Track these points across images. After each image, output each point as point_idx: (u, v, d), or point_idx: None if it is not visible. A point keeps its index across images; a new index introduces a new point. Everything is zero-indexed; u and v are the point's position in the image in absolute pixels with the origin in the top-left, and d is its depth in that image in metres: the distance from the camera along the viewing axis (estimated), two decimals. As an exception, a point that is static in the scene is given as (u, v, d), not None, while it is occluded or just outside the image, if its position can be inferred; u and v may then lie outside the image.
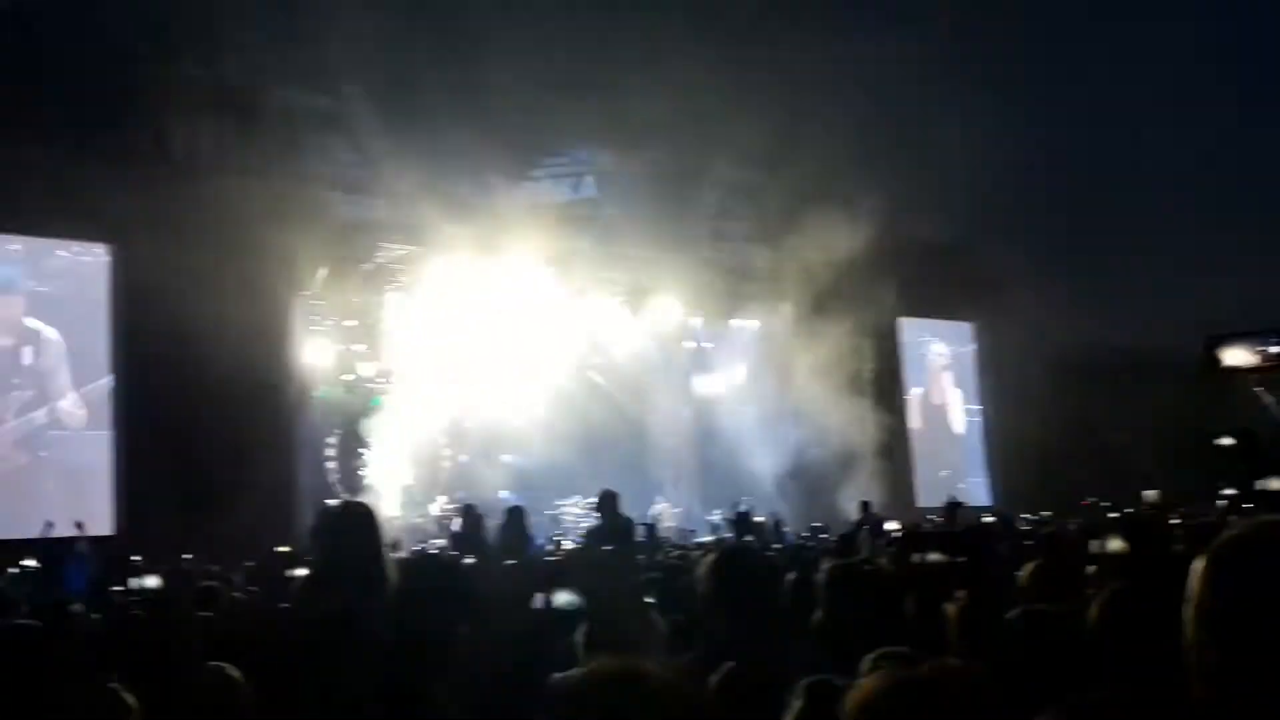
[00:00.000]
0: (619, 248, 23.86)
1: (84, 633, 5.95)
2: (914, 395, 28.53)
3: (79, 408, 17.85)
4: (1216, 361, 28.00)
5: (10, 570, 12.47)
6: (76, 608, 7.39)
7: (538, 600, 1.82)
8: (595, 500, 9.26)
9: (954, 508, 18.30)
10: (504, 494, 22.66)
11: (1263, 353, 26.79)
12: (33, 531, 16.23)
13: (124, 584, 8.30)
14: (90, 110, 18.92)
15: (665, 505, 23.93)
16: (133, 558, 11.45)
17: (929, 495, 26.86)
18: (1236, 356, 27.39)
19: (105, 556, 13.52)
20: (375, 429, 24.26)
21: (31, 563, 12.31)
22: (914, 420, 28.34)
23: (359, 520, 4.24)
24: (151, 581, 4.69)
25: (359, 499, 6.89)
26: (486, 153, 21.85)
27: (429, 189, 20.70)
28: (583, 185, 23.79)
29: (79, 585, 11.00)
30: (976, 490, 28.54)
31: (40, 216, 17.36)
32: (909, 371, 28.48)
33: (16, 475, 17.18)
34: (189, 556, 13.95)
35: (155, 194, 18.09)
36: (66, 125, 18.99)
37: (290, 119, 20.39)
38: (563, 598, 1.84)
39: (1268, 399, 27.97)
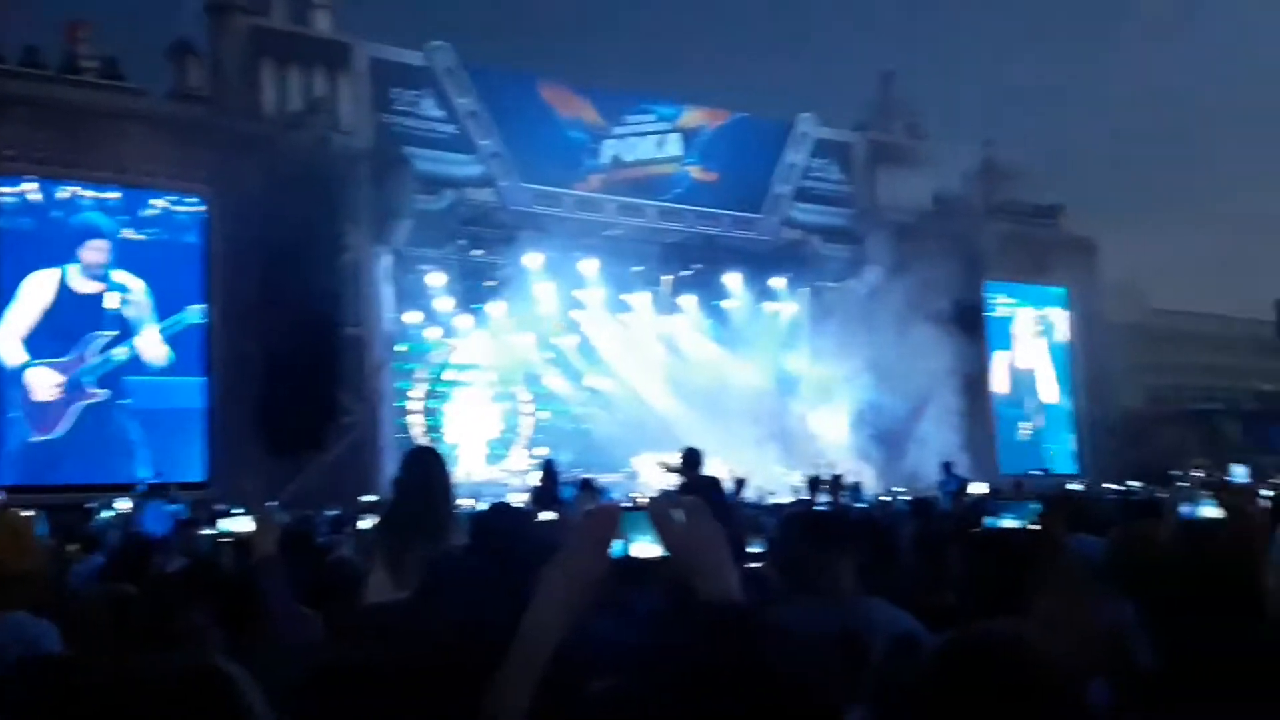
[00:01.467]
0: (702, 207, 23.74)
1: (163, 575, 6.13)
2: (1000, 358, 28.01)
3: (160, 348, 18.19)
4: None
5: (103, 514, 12.86)
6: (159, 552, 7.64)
7: (615, 549, 1.78)
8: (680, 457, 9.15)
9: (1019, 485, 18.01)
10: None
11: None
12: (122, 477, 16.78)
13: (212, 527, 8.47)
14: (186, 63, 19.29)
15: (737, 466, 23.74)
16: (217, 506, 11.72)
17: (1010, 460, 26.47)
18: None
19: (193, 502, 13.85)
20: (458, 383, 24.55)
21: (125, 506, 12.67)
22: (999, 384, 27.84)
23: (429, 461, 4.36)
24: (241, 524, 4.74)
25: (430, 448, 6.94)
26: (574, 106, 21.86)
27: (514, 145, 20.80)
28: (667, 143, 23.61)
29: (165, 529, 11.28)
30: (1062, 458, 28.01)
31: (136, 166, 17.71)
32: (997, 334, 27.95)
33: (104, 421, 17.64)
34: (274, 503, 14.25)
35: (249, 146, 18.44)
36: (162, 77, 19.42)
37: (380, 74, 20.54)
38: (643, 547, 1.80)
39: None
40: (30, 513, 9.82)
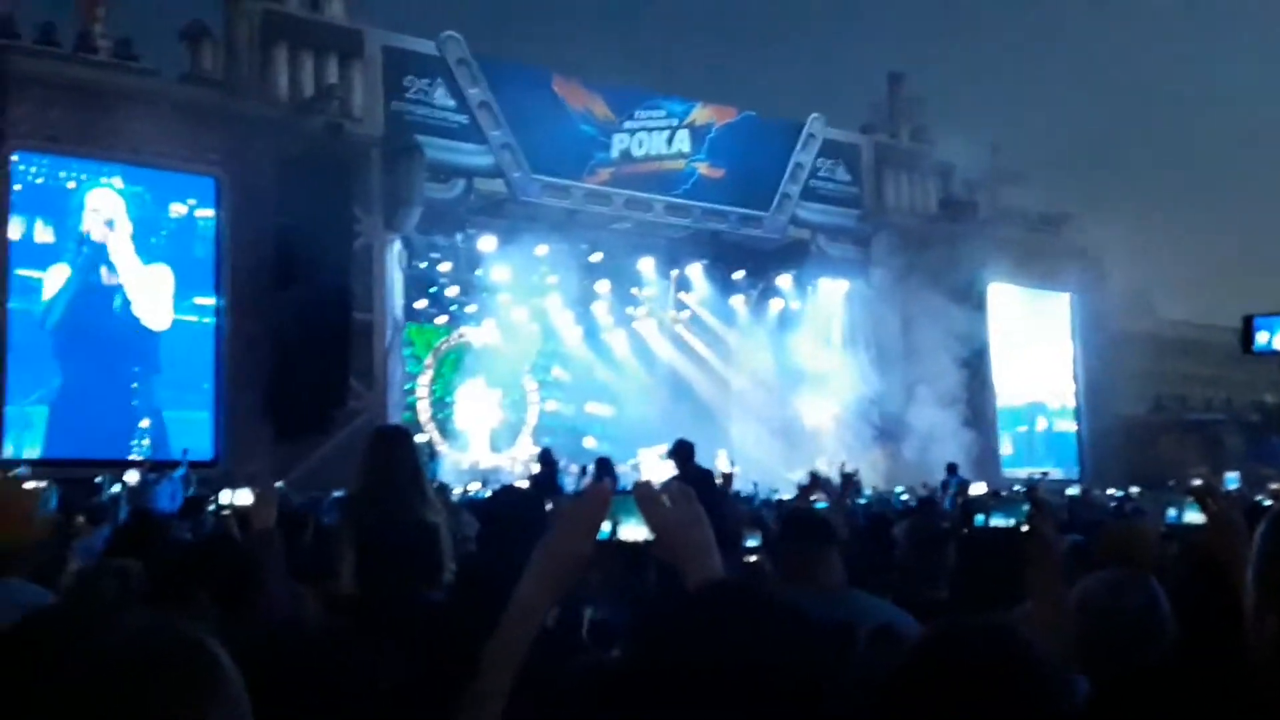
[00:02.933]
0: (708, 203, 23.81)
1: (171, 545, 6.26)
2: (1003, 362, 28.10)
3: (173, 331, 18.31)
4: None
5: (113, 489, 13.00)
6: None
7: (604, 531, 1.85)
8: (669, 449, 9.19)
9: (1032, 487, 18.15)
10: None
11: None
12: (130, 453, 16.93)
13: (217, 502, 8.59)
14: (200, 46, 19.39)
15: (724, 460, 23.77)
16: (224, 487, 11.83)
17: (1014, 463, 26.60)
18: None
19: (201, 480, 13.98)
20: (466, 370, 24.71)
21: (132, 479, 12.81)
22: (1002, 388, 27.93)
23: (396, 441, 4.49)
24: (243, 497, 4.85)
25: (402, 426, 7.07)
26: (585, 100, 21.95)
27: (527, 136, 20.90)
28: (676, 139, 23.70)
29: (174, 505, 11.41)
30: (1064, 462, 28.11)
31: (149, 147, 17.78)
32: (1000, 338, 28.03)
33: (122, 398, 17.77)
34: (280, 484, 14.37)
35: (261, 130, 18.55)
36: (176, 59, 19.53)
37: (392, 62, 20.64)
38: (631, 530, 1.87)
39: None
40: (43, 484, 9.97)
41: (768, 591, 1.70)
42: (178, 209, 18.44)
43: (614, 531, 1.81)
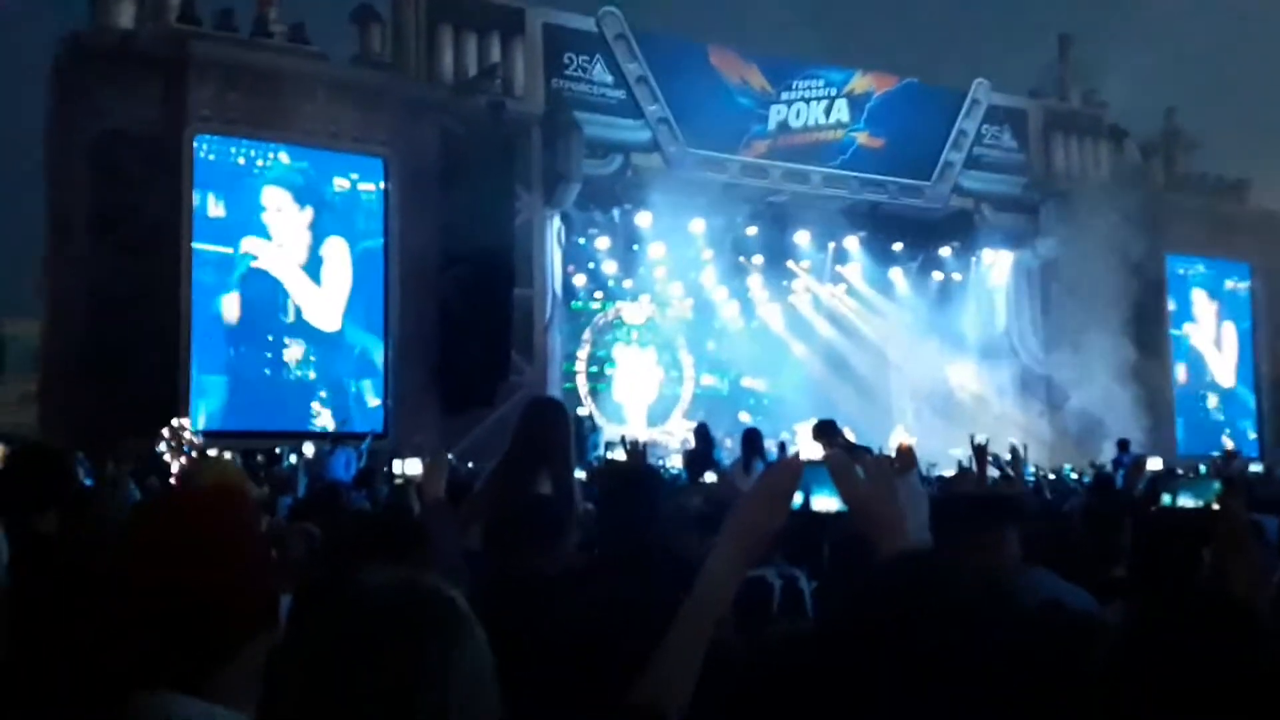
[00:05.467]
0: (868, 174, 23.41)
1: (350, 513, 6.53)
2: (1182, 334, 26.94)
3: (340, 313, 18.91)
4: None
5: (290, 459, 13.58)
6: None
7: (797, 501, 1.85)
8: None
9: (1229, 458, 17.41)
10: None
11: None
12: (305, 425, 17.63)
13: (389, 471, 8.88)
14: (369, 29, 19.95)
15: (903, 434, 23.48)
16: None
17: (1190, 440, 25.51)
18: None
19: (371, 451, 14.47)
20: (624, 346, 24.95)
21: (308, 452, 13.34)
22: (1179, 361, 26.80)
23: (550, 412, 4.55)
24: (413, 466, 5.01)
25: (553, 397, 7.16)
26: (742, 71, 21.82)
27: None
28: (834, 108, 23.35)
29: (349, 475, 11.83)
30: (1243, 439, 26.83)
31: (320, 129, 18.38)
32: (1178, 310, 26.88)
33: (304, 379, 18.53)
34: (450, 455, 14.77)
35: (427, 110, 19.01)
36: (346, 42, 20.14)
37: (552, 39, 20.86)
38: (823, 501, 1.87)
39: None
40: (227, 455, 10.50)
41: (958, 566, 1.69)
42: (341, 183, 18.97)
43: (806, 502, 1.82)
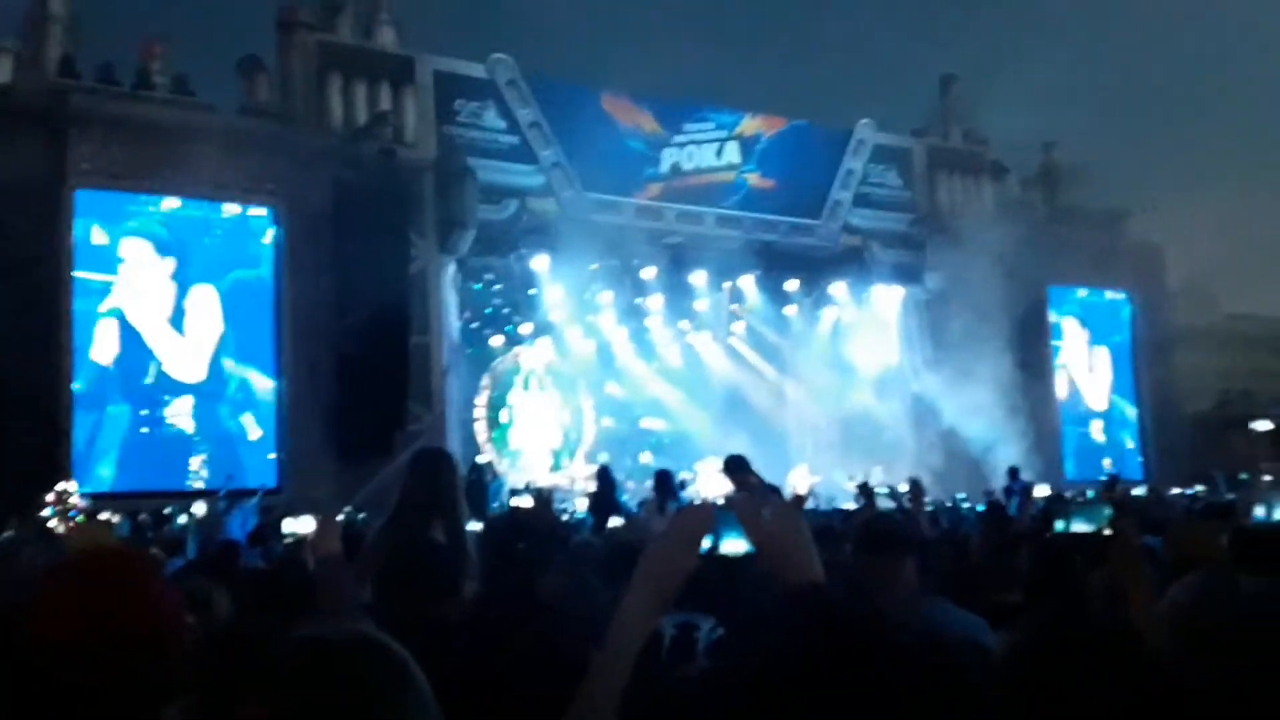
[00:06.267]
0: (760, 214, 23.77)
1: (247, 572, 6.39)
2: (1061, 362, 27.78)
3: (239, 369, 18.54)
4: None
5: (180, 519, 13.21)
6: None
7: (704, 544, 1.88)
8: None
9: (1113, 483, 17.93)
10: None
11: None
12: (191, 484, 17.17)
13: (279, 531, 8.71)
14: (255, 78, 19.73)
15: (804, 472, 23.65)
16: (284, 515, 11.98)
17: (1075, 466, 26.25)
18: None
19: (264, 507, 14.13)
20: (523, 391, 24.82)
21: (200, 511, 12.99)
22: (1062, 389, 27.62)
23: (437, 461, 4.55)
24: (305, 525, 4.96)
25: (440, 448, 7.19)
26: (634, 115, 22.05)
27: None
28: (725, 150, 23.71)
29: (242, 534, 11.54)
30: (1130, 463, 27.67)
31: (207, 180, 18.06)
32: (1059, 339, 27.73)
33: (181, 433, 18.05)
34: (349, 509, 14.57)
35: (317, 159, 18.81)
36: (233, 94, 19.88)
37: (443, 86, 20.86)
38: (732, 544, 1.90)
39: None
40: (116, 518, 10.18)
41: (851, 599, 1.73)
42: (236, 238, 18.65)
43: (716, 545, 1.84)
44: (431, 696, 1.44)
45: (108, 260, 17.62)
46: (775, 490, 8.83)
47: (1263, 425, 27.84)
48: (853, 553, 4.31)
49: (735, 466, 8.47)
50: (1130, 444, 28.62)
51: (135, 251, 17.87)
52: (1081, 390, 28.21)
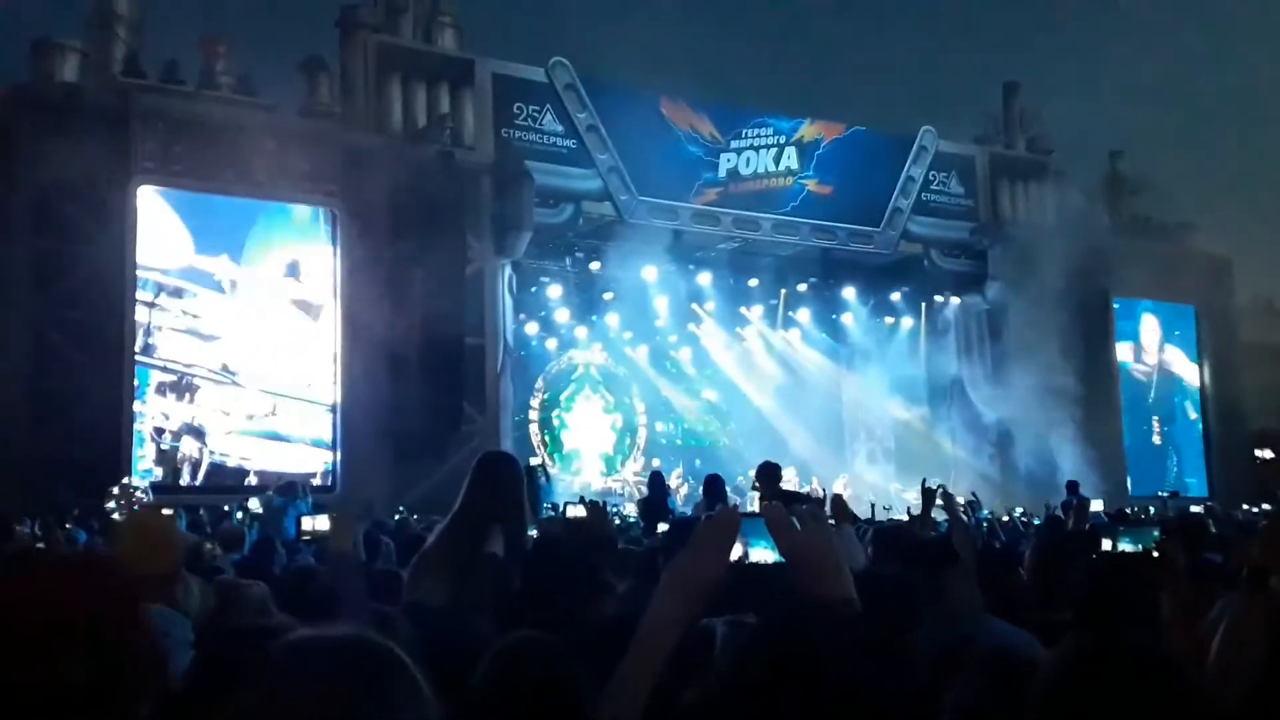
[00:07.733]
0: (817, 220, 23.61)
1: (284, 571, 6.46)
2: (1127, 377, 27.28)
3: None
4: None
5: (237, 515, 13.35)
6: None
7: (735, 552, 1.85)
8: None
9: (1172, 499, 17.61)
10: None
11: None
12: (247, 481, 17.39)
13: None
14: (317, 79, 19.94)
15: (844, 484, 23.35)
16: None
17: (1140, 481, 25.76)
18: None
19: (318, 505, 14.22)
20: (576, 394, 24.89)
21: (254, 506, 13.12)
22: (1127, 401, 27.12)
23: (504, 467, 4.53)
24: (321, 524, 4.95)
25: (507, 453, 7.18)
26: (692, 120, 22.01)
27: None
28: (784, 156, 23.58)
29: (295, 532, 11.61)
30: (1193, 479, 27.13)
31: (268, 179, 18.23)
32: (1124, 353, 27.25)
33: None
34: (402, 509, 14.67)
35: (376, 160, 18.95)
36: (295, 93, 20.09)
37: (502, 89, 20.95)
38: (760, 553, 1.87)
39: None
40: (169, 512, 10.23)
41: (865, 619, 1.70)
42: (296, 241, 18.87)
43: (745, 554, 1.82)
44: (428, 692, 1.42)
45: (169, 257, 17.85)
46: (805, 498, 8.73)
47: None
48: (905, 566, 4.23)
49: (766, 475, 8.39)
50: (1196, 461, 27.99)
51: (196, 249, 18.10)
52: (1152, 403, 27.65)
